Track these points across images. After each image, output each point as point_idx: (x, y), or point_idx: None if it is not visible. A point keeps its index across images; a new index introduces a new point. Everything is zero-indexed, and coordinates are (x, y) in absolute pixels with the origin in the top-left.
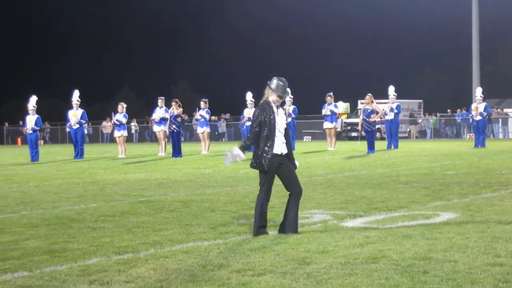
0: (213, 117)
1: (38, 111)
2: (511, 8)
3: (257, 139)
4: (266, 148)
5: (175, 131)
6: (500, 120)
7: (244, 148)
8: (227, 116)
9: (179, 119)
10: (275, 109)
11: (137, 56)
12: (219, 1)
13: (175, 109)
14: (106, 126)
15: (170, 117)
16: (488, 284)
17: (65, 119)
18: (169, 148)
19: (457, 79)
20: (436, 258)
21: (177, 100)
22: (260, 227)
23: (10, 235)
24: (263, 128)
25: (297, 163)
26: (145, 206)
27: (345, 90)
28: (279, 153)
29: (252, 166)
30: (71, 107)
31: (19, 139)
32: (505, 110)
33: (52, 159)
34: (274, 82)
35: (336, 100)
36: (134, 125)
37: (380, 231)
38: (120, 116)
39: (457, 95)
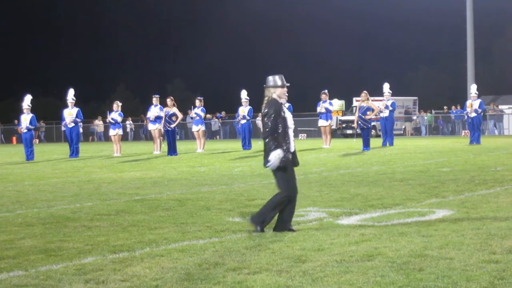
0: (208, 115)
1: (33, 110)
2: (506, 5)
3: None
4: (284, 147)
5: (170, 129)
6: (495, 116)
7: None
8: (223, 114)
9: (173, 118)
10: (283, 104)
11: (132, 55)
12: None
13: (170, 107)
14: (99, 124)
15: (165, 115)
16: (484, 281)
17: (60, 118)
18: (165, 146)
19: (452, 76)
20: (431, 256)
21: (171, 97)
22: (261, 222)
23: (5, 234)
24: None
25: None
26: (141, 204)
27: (340, 87)
28: (293, 150)
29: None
30: (66, 106)
31: (14, 138)
32: (500, 107)
33: (47, 158)
34: (270, 78)
35: (331, 98)
36: (129, 123)
37: (376, 229)
38: (115, 114)
39: (452, 92)
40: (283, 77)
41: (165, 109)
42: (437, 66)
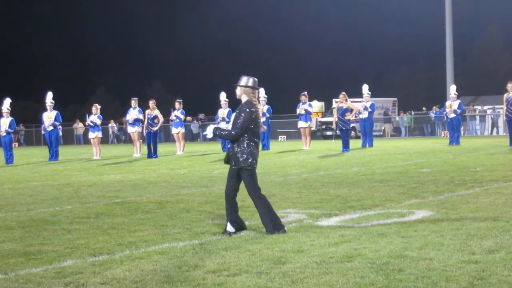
0: (188, 118)
1: (12, 113)
2: (484, 6)
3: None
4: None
5: (153, 132)
6: (478, 117)
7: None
8: (202, 116)
9: (156, 120)
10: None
11: (112, 58)
12: (192, 1)
13: (152, 110)
14: (78, 127)
15: (148, 118)
16: (463, 281)
17: (39, 121)
18: (144, 149)
19: (431, 77)
20: (411, 256)
21: (154, 100)
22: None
23: None
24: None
25: None
26: (120, 207)
27: (320, 89)
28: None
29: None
30: (45, 109)
31: None
32: (479, 107)
33: (26, 161)
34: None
35: (310, 99)
36: (111, 126)
37: (355, 230)
38: (95, 117)
39: (432, 93)
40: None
41: (147, 111)
42: (416, 67)
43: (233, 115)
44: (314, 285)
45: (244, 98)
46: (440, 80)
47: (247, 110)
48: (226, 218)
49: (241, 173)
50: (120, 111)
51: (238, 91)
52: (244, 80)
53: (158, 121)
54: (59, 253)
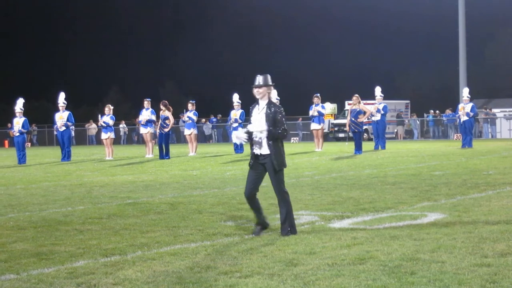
0: (203, 120)
1: (25, 113)
2: (498, 8)
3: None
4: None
5: (164, 133)
6: (489, 120)
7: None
8: (219, 117)
9: (167, 121)
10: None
11: (125, 58)
12: (205, 2)
13: (164, 111)
14: (91, 128)
15: (161, 119)
16: (476, 284)
17: (52, 122)
18: (156, 149)
19: (444, 80)
20: (423, 259)
21: (166, 102)
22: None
23: None
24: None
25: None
26: (133, 208)
27: (332, 91)
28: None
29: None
30: (58, 110)
31: (6, 142)
32: (493, 110)
33: (39, 162)
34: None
35: (323, 101)
36: (122, 127)
37: (368, 232)
38: (107, 118)
39: (444, 96)
40: (256, 78)
41: (161, 112)
42: (429, 69)
43: (258, 114)
44: (326, 287)
45: (265, 98)
46: (453, 82)
47: (282, 109)
48: (258, 220)
49: (275, 173)
50: (133, 112)
51: (263, 90)
52: (268, 79)
53: (169, 122)
54: (71, 254)
